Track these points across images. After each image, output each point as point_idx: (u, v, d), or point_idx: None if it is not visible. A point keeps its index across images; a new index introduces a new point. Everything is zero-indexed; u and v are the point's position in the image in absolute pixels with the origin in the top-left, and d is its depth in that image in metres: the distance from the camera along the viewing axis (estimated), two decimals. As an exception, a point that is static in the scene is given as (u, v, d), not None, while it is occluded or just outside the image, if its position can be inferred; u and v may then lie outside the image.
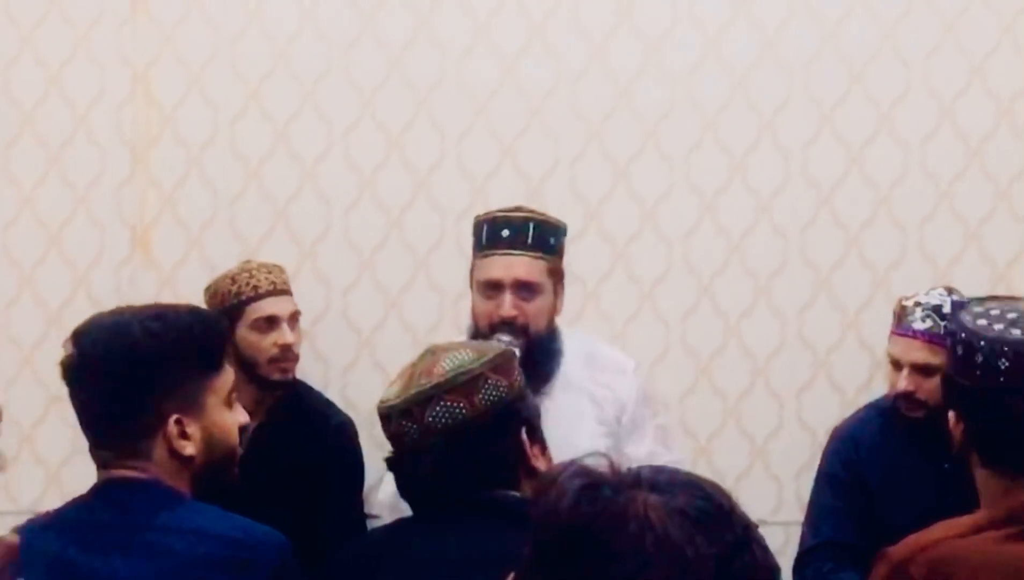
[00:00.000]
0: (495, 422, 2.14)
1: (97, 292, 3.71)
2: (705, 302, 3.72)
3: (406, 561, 2.15)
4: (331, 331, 3.74)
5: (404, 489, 2.23)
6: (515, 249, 3.16)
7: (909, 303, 3.22)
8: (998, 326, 2.15)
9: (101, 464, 2.03)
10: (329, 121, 3.73)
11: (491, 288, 3.15)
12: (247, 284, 3.36)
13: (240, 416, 2.08)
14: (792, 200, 3.70)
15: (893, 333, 3.25)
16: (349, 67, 3.73)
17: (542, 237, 3.20)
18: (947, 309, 3.18)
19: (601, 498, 1.25)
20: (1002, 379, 2.12)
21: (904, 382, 3.17)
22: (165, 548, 1.94)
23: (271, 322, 3.36)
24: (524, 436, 2.16)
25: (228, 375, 2.06)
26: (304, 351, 3.53)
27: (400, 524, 2.30)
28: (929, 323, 3.17)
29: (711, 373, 3.72)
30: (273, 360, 3.36)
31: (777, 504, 3.68)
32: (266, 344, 3.35)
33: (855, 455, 3.32)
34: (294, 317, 3.42)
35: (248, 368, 3.31)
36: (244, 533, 1.97)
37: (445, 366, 2.15)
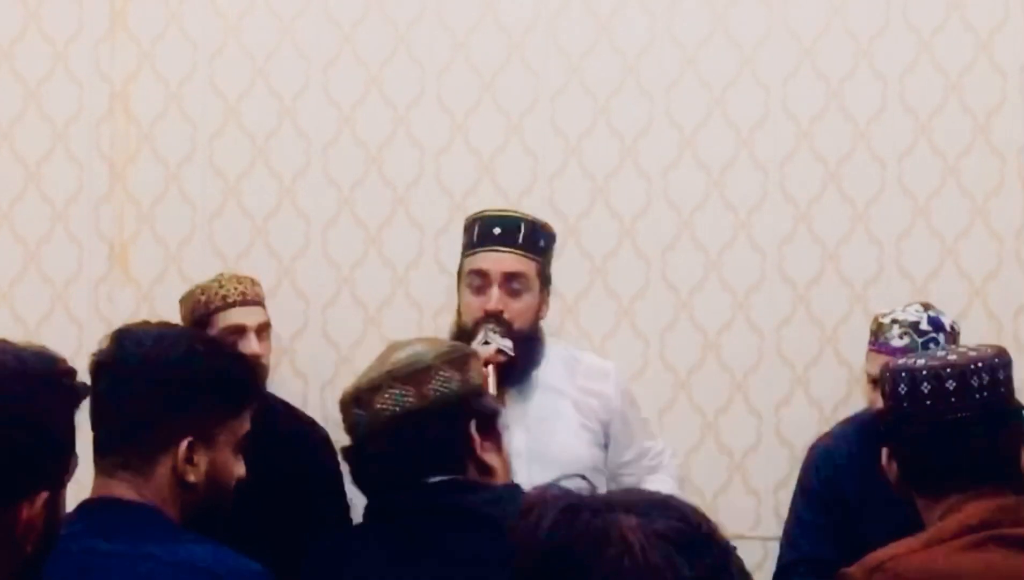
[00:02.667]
0: (443, 413, 2.18)
1: (75, 309, 3.70)
2: (683, 317, 3.73)
3: (366, 562, 2.17)
4: (310, 347, 3.73)
5: (355, 477, 2.29)
6: (505, 246, 3.20)
7: (886, 320, 3.23)
8: (912, 358, 2.22)
9: (102, 470, 2.00)
10: (308, 137, 3.73)
11: (479, 279, 3.18)
12: (216, 294, 3.35)
13: (240, 468, 2.08)
14: (770, 216, 3.72)
15: (871, 350, 3.27)
16: (327, 83, 3.73)
17: (533, 238, 3.24)
18: (924, 325, 3.20)
19: (581, 521, 1.25)
20: (925, 403, 2.17)
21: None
22: (146, 577, 1.92)
23: (237, 332, 3.34)
24: (473, 430, 2.19)
25: (245, 424, 2.07)
26: (283, 367, 3.52)
27: (360, 527, 2.35)
28: (907, 341, 3.18)
29: (689, 388, 3.73)
30: None
31: (756, 519, 3.69)
32: None
33: (833, 471, 3.33)
34: (263, 328, 3.38)
35: None
36: (226, 568, 1.95)
37: (399, 357, 2.20)
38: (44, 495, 1.41)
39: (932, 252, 3.70)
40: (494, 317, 3.13)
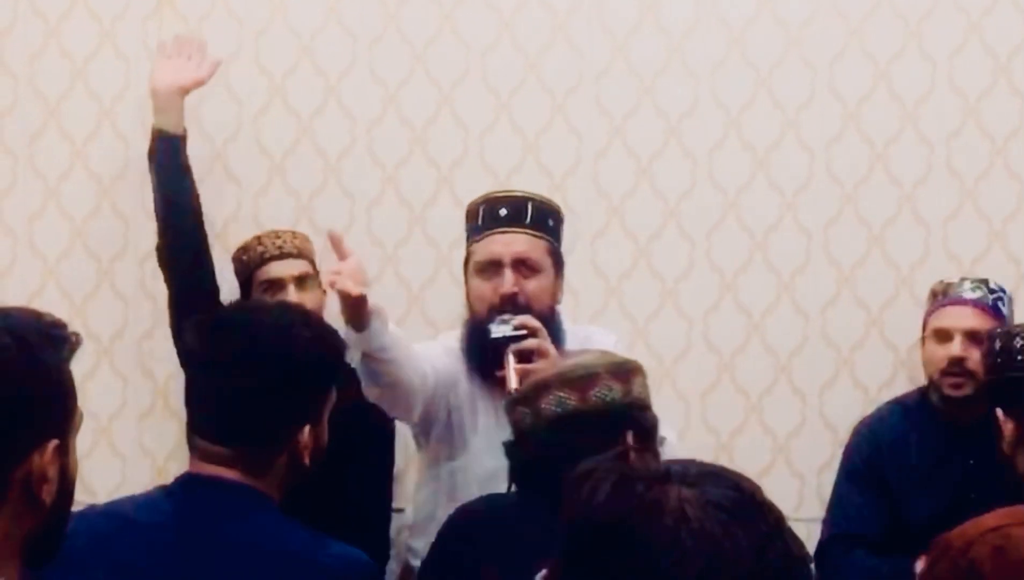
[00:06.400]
0: (601, 419, 2.28)
1: (121, 286, 3.71)
2: (727, 299, 3.72)
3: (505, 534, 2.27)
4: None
5: (513, 471, 2.41)
6: (514, 226, 3.09)
7: (953, 280, 3.30)
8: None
9: (210, 456, 1.99)
10: (353, 116, 3.74)
11: (490, 267, 3.05)
12: (255, 252, 3.39)
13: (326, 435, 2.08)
14: (816, 197, 3.70)
15: (939, 307, 3.29)
16: (373, 62, 3.73)
17: (541, 216, 3.14)
18: (992, 285, 3.24)
19: (635, 493, 1.25)
20: None
21: (958, 347, 3.18)
22: (249, 569, 1.90)
23: (275, 285, 3.36)
24: (630, 439, 2.27)
25: (334, 392, 2.09)
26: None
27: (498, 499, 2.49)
28: (979, 293, 3.23)
29: (733, 370, 3.72)
30: None
31: (799, 501, 3.68)
32: None
33: (875, 450, 3.33)
34: (303, 278, 3.38)
35: None
36: (336, 560, 1.95)
37: (570, 363, 2.37)
38: (54, 443, 1.42)
39: (979, 234, 3.67)
40: (509, 301, 3.01)
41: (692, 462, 1.34)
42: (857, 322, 3.69)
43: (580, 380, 2.32)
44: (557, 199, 3.52)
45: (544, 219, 3.14)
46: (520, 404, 2.38)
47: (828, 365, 3.70)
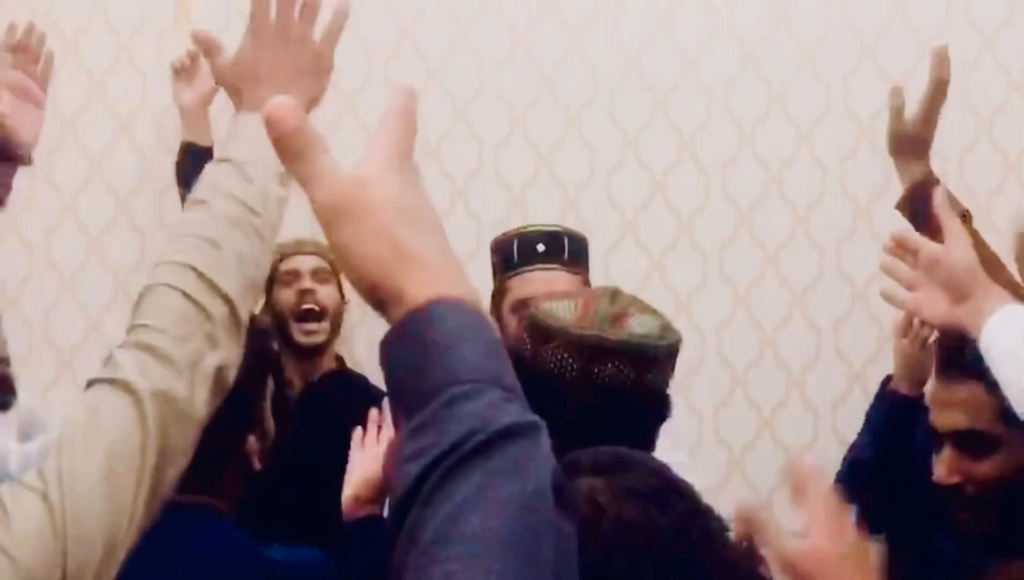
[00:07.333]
0: (646, 407, 2.01)
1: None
2: (741, 313, 3.73)
3: None
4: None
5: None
6: (554, 264, 3.03)
7: None
8: None
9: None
10: (367, 129, 3.75)
11: (527, 302, 2.92)
12: (279, 248, 3.41)
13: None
14: (829, 212, 3.71)
15: None
16: (388, 76, 3.75)
17: (577, 251, 3.12)
18: None
19: None
20: None
21: None
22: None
23: (291, 275, 3.43)
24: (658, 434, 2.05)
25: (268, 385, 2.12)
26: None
27: None
28: None
29: (746, 385, 3.73)
30: (297, 317, 3.38)
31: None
32: (287, 296, 3.39)
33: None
34: (319, 272, 3.44)
35: (284, 334, 3.34)
36: (296, 565, 1.97)
37: (634, 327, 2.00)
38: None
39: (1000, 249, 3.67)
40: None
41: (598, 450, 1.33)
42: (869, 338, 3.69)
43: (643, 358, 1.99)
44: (571, 213, 3.54)
45: (579, 252, 3.11)
46: (567, 350, 2.02)
47: (840, 380, 3.71)
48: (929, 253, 2.12)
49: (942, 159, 3.61)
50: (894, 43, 3.70)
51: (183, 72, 3.55)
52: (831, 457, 3.66)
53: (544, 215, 3.57)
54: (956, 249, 2.09)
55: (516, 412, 0.95)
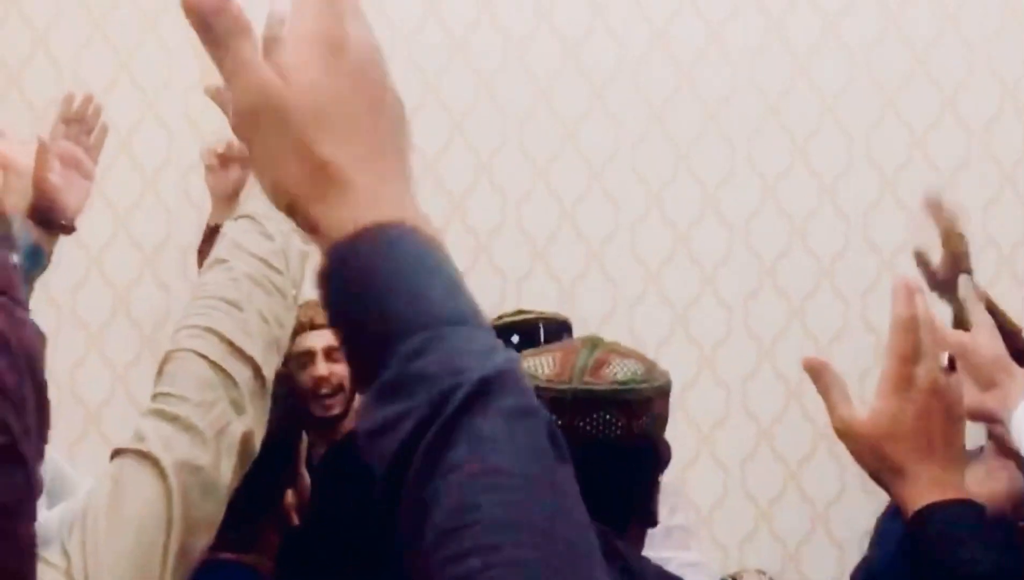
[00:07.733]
0: (640, 454, 1.90)
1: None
2: (766, 366, 3.72)
3: None
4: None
5: None
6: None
7: None
8: None
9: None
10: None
11: None
12: (296, 321, 3.39)
13: None
14: (854, 265, 3.71)
15: None
16: (412, 131, 3.76)
17: (556, 336, 2.98)
18: None
19: None
20: None
21: None
22: None
23: (306, 356, 3.39)
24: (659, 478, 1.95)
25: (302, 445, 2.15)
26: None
27: None
28: None
29: (772, 439, 3.71)
30: (314, 396, 3.38)
31: (840, 571, 3.65)
32: (304, 379, 3.38)
33: None
34: (333, 351, 3.39)
35: (303, 404, 3.34)
36: None
37: (616, 374, 1.88)
38: None
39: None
40: None
41: None
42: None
43: (630, 404, 1.86)
44: (594, 266, 3.55)
45: (558, 337, 2.96)
46: (550, 407, 2.16)
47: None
48: (956, 343, 2.13)
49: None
50: (916, 95, 3.70)
51: (214, 163, 3.53)
52: (859, 511, 3.65)
53: (567, 269, 3.59)
54: (982, 337, 2.10)
55: (484, 352, 0.82)
